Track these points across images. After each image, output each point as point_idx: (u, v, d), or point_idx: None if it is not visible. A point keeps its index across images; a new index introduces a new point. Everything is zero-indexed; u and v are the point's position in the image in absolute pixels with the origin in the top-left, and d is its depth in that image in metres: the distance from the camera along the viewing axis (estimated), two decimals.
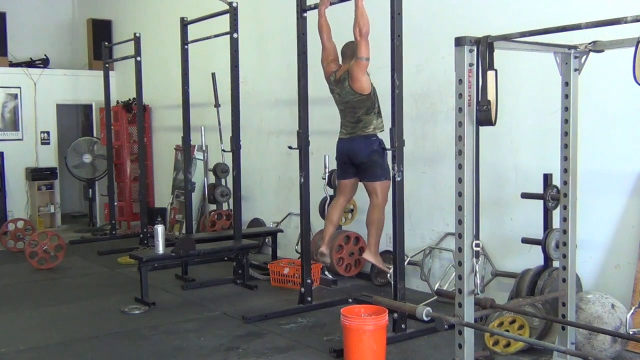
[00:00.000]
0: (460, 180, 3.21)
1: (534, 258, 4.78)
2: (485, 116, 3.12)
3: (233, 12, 6.24)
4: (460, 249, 3.26)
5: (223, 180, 7.85)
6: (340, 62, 5.17)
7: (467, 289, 3.26)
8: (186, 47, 7.05)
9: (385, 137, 4.86)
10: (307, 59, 5.25)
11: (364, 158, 5.06)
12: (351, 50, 5.00)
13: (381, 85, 4.94)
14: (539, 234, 4.63)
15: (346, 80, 4.97)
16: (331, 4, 5.03)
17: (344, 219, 6.50)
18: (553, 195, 4.49)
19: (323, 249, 5.28)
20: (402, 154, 4.60)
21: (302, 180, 5.37)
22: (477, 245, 3.25)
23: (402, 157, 4.61)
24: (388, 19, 4.53)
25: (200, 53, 7.65)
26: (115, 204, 9.65)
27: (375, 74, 4.99)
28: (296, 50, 5.32)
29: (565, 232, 3.70)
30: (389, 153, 4.74)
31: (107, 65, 9.23)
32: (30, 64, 10.58)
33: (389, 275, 5.73)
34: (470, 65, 3.14)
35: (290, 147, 5.46)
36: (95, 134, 10.90)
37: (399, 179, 4.59)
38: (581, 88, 3.63)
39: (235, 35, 6.26)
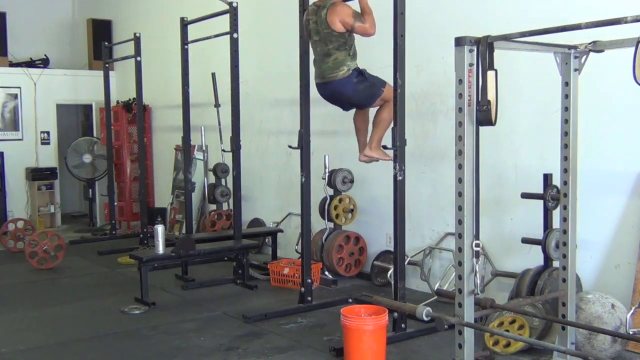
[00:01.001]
0: (460, 180, 3.21)
1: (534, 258, 4.78)
2: (485, 116, 3.12)
3: (233, 12, 6.24)
4: (460, 249, 3.26)
5: (223, 180, 7.86)
6: None
7: (467, 289, 3.26)
8: (186, 47, 7.04)
9: (386, 137, 4.84)
10: (308, 59, 5.24)
11: (352, 93, 4.79)
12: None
13: None
14: (539, 234, 4.63)
15: (326, 9, 4.68)
16: None
17: (343, 219, 6.50)
18: (553, 195, 4.50)
19: (366, 153, 4.96)
20: (403, 153, 4.60)
21: (304, 179, 5.36)
22: (477, 245, 3.26)
23: (404, 157, 4.61)
24: (390, 19, 4.53)
25: (200, 53, 7.65)
26: (115, 204, 9.66)
27: (379, 74, 4.98)
28: (296, 50, 5.32)
29: (565, 232, 3.70)
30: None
31: (107, 65, 9.23)
32: (30, 64, 10.58)
33: (389, 275, 5.73)
34: (470, 65, 3.14)
35: (290, 147, 5.46)
36: (95, 134, 10.90)
37: (400, 178, 4.58)
38: (581, 88, 3.63)
39: (235, 35, 6.26)
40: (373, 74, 4.89)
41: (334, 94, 4.87)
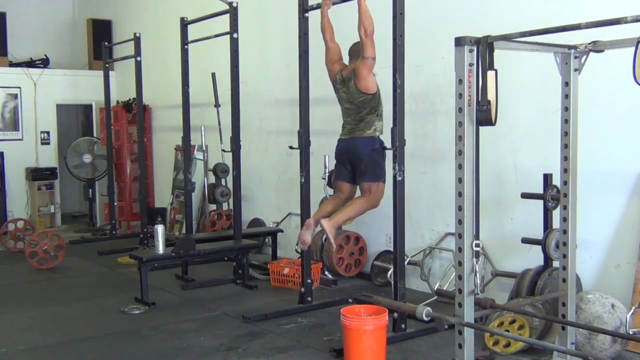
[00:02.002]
0: (460, 180, 3.21)
1: (534, 258, 4.78)
2: (485, 116, 3.12)
3: (233, 12, 6.24)
4: (460, 249, 3.26)
5: (223, 180, 7.86)
6: (347, 62, 5.10)
7: (467, 289, 3.26)
8: (186, 47, 7.05)
9: (386, 136, 4.85)
10: (308, 59, 5.24)
11: (365, 156, 4.93)
12: (357, 51, 4.93)
13: (382, 85, 4.92)
14: (539, 234, 4.63)
15: (352, 80, 4.87)
16: (333, 3, 5.00)
17: None
18: (553, 195, 4.50)
19: (322, 221, 4.90)
20: (403, 153, 4.60)
21: (303, 180, 5.36)
22: (477, 245, 3.26)
23: (403, 157, 4.61)
24: (390, 19, 4.53)
25: (200, 53, 7.65)
26: (115, 204, 9.66)
27: (379, 73, 4.97)
28: (296, 50, 5.32)
29: (565, 232, 3.70)
30: (389, 154, 4.73)
31: (107, 65, 9.23)
32: (30, 64, 10.58)
33: (389, 275, 5.73)
34: (470, 65, 3.14)
35: (291, 147, 5.46)
36: (95, 134, 10.90)
37: (399, 178, 4.59)
38: (581, 88, 3.63)
39: (235, 35, 6.26)
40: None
41: (351, 148, 4.99)
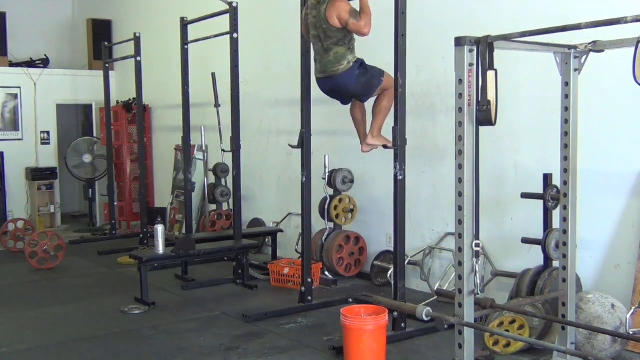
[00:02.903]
0: (460, 180, 3.21)
1: (534, 258, 4.78)
2: (485, 116, 3.12)
3: (233, 12, 6.24)
4: (460, 249, 3.26)
5: (223, 180, 7.86)
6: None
7: (467, 289, 3.26)
8: (186, 47, 7.05)
9: (387, 134, 4.83)
10: (309, 58, 5.24)
11: (352, 87, 4.78)
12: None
13: None
14: (539, 234, 4.63)
15: (325, 4, 4.65)
16: None
17: (343, 219, 6.50)
18: (553, 195, 4.49)
19: (368, 141, 4.91)
20: (404, 152, 4.60)
21: (304, 179, 5.36)
22: (477, 245, 3.26)
23: (405, 156, 4.61)
24: (391, 19, 4.53)
25: (200, 53, 7.66)
26: (115, 204, 9.65)
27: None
28: (296, 50, 5.32)
29: (565, 232, 3.70)
30: (389, 154, 4.72)
31: (107, 65, 9.23)
32: (30, 64, 10.58)
33: (389, 275, 5.73)
34: (470, 65, 3.14)
35: (290, 146, 5.45)
36: (95, 134, 10.90)
37: (400, 177, 4.59)
38: (581, 88, 3.63)
39: (235, 35, 6.26)
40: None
41: (336, 87, 4.86)
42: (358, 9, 4.66)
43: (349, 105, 5.07)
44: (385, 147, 4.92)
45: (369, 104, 5.00)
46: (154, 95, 9.68)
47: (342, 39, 4.70)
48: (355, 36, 4.76)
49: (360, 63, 4.77)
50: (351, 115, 5.14)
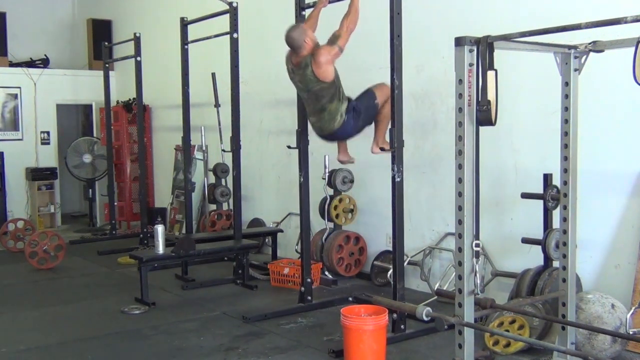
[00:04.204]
0: (460, 180, 3.21)
1: (534, 258, 4.78)
2: (485, 116, 3.12)
3: (233, 12, 6.24)
4: (460, 249, 3.26)
5: (223, 180, 7.86)
6: (288, 53, 4.79)
7: (467, 289, 3.26)
8: (186, 47, 7.05)
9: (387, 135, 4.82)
10: None
11: (355, 132, 4.81)
12: (298, 42, 4.60)
13: None
14: (539, 234, 4.63)
15: (309, 67, 4.58)
16: (329, 2, 4.98)
17: (343, 219, 6.50)
18: (553, 195, 4.49)
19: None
20: (401, 154, 4.60)
21: (302, 179, 5.36)
22: (477, 245, 3.26)
23: (402, 158, 4.60)
24: (387, 19, 4.52)
25: (200, 53, 7.65)
26: (115, 204, 9.66)
27: (375, 74, 4.97)
28: None
29: (565, 232, 3.70)
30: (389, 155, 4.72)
31: (107, 65, 9.23)
32: (30, 64, 10.58)
33: (389, 275, 5.73)
34: (470, 65, 3.14)
35: (289, 147, 5.46)
36: (95, 134, 10.90)
37: (398, 179, 4.58)
38: (581, 88, 3.63)
39: (235, 35, 6.26)
40: (371, 75, 4.83)
41: (341, 138, 4.92)
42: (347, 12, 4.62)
43: None
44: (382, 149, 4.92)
45: None
46: (154, 95, 9.69)
47: (333, 93, 4.63)
48: (350, 44, 4.68)
49: (353, 107, 4.70)
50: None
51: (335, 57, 4.58)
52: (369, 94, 4.78)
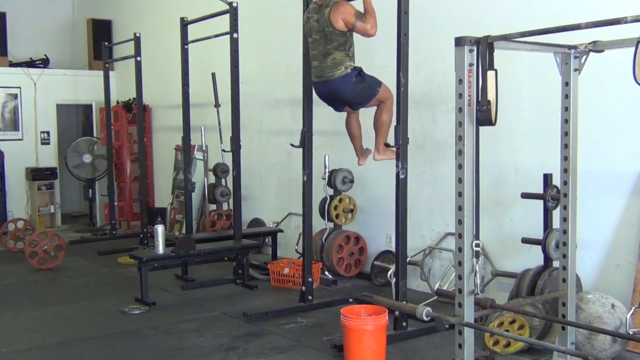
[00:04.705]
0: (460, 180, 3.21)
1: (534, 258, 4.78)
2: (485, 116, 3.12)
3: (233, 12, 6.24)
4: (460, 249, 3.26)
5: (223, 180, 7.86)
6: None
7: (467, 289, 3.26)
8: (186, 47, 7.05)
9: (389, 136, 4.82)
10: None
11: (349, 94, 4.77)
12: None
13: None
14: (539, 234, 4.63)
15: (329, 7, 4.61)
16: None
17: (343, 219, 6.50)
18: (553, 195, 4.50)
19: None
20: (406, 151, 4.60)
21: (305, 178, 5.36)
22: (477, 245, 3.26)
23: (407, 155, 4.61)
24: (393, 18, 4.53)
25: (200, 53, 7.65)
26: (115, 204, 9.65)
27: (379, 73, 4.95)
28: (296, 50, 5.32)
29: (565, 232, 3.70)
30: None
31: (107, 65, 9.23)
32: (30, 64, 10.58)
33: (389, 275, 5.73)
34: (470, 65, 3.14)
35: (292, 145, 5.45)
36: (95, 134, 10.90)
37: (402, 176, 4.59)
38: (581, 88, 3.63)
39: (235, 35, 6.26)
40: (373, 74, 4.86)
41: (331, 92, 4.83)
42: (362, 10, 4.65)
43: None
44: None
45: (366, 116, 4.99)
46: (154, 95, 9.69)
47: (343, 43, 4.67)
48: (355, 39, 4.74)
49: (359, 71, 4.74)
50: (347, 130, 5.14)
51: (353, 19, 4.56)
52: (376, 80, 4.81)
